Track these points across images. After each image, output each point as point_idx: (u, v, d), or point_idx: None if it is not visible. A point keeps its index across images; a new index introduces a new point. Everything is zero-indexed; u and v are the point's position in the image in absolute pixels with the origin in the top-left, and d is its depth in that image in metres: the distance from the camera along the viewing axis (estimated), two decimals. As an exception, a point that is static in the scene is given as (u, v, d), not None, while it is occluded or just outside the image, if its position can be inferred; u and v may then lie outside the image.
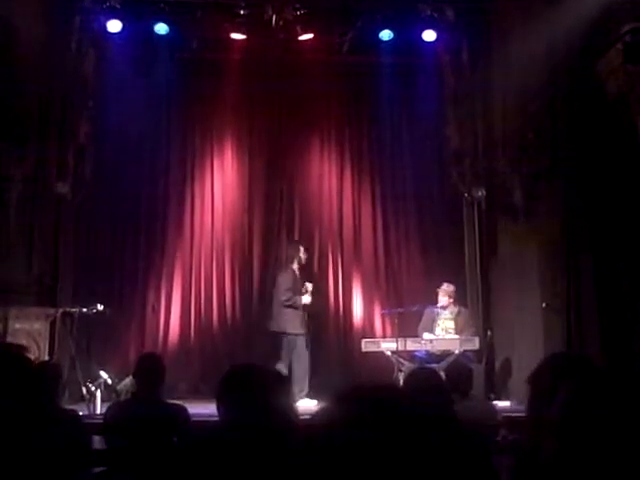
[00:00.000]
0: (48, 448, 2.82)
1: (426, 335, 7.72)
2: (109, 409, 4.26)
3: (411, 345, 7.53)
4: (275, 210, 9.25)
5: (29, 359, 3.20)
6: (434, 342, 7.58)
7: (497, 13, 8.34)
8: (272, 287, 8.40)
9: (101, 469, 3.83)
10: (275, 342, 7.99)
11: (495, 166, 8.37)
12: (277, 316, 7.96)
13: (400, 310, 8.01)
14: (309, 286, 7.99)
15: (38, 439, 2.78)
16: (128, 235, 8.99)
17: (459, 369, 4.97)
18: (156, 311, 8.87)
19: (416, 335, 7.75)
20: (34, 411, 2.87)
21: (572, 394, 1.13)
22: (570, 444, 1.07)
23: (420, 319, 7.96)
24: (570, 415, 1.08)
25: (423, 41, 8.63)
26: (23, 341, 6.84)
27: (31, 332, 6.96)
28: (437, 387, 3.19)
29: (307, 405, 7.03)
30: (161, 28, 8.44)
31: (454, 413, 3.04)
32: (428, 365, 6.30)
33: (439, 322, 7.85)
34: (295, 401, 2.51)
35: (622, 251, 7.00)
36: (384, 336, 8.57)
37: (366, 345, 7.75)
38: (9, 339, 6.73)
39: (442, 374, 4.31)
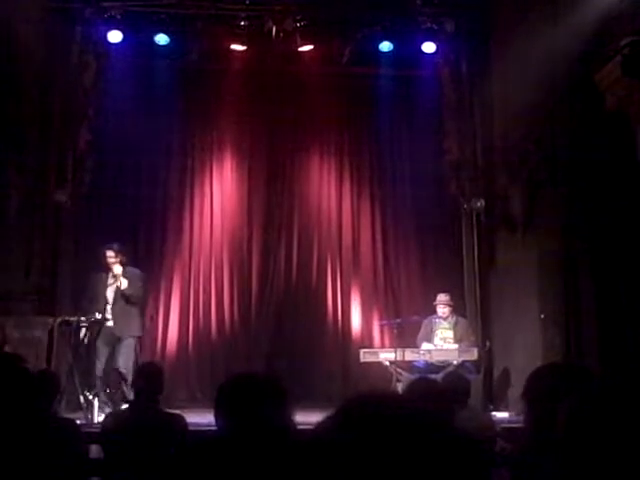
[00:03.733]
0: (45, 457, 2.82)
1: (425, 345, 7.71)
2: (107, 418, 4.25)
3: (410, 355, 7.51)
4: (274, 221, 9.26)
5: (27, 369, 3.20)
6: (433, 352, 7.57)
7: (496, 25, 8.38)
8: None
9: (98, 478, 3.82)
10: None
11: (494, 177, 8.39)
12: None
13: (399, 321, 8.00)
14: None
15: (35, 448, 2.77)
16: (126, 244, 8.97)
17: (456, 379, 4.97)
18: (154, 320, 8.86)
19: (415, 345, 7.74)
20: (31, 419, 2.87)
21: (574, 412, 1.12)
22: (576, 463, 1.06)
23: (419, 329, 7.95)
24: (574, 434, 1.08)
25: (422, 53, 8.65)
26: (21, 349, 6.84)
27: (29, 340, 6.94)
28: (437, 397, 3.18)
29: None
30: (161, 39, 8.46)
31: (453, 424, 3.04)
32: (426, 375, 6.28)
33: (437, 332, 7.84)
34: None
35: (621, 262, 7.01)
36: (383, 346, 8.56)
37: (364, 355, 7.73)
38: (7, 347, 6.72)
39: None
